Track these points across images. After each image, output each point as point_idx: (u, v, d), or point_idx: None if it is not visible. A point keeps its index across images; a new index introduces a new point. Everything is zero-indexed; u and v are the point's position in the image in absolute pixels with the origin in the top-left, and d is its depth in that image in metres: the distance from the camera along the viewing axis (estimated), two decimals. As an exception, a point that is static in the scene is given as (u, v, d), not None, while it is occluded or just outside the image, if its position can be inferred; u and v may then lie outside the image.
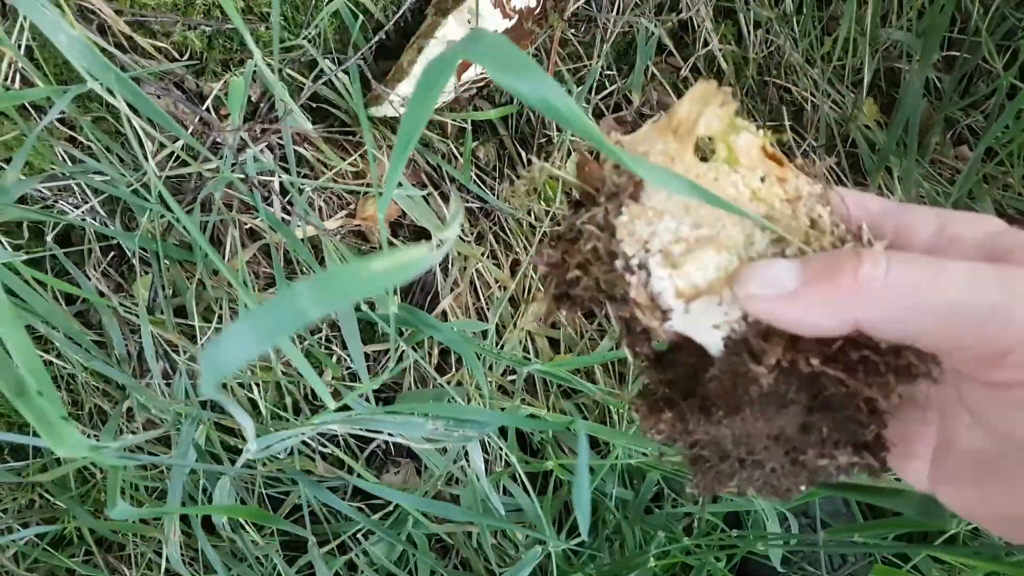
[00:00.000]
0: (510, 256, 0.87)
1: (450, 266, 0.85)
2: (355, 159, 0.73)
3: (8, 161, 0.71)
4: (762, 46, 0.92)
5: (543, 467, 0.76)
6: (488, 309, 0.86)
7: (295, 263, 0.77)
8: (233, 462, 0.77)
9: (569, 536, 0.84)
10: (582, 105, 0.86)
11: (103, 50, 0.65)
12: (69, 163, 0.70)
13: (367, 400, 0.59)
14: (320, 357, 0.75)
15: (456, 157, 0.84)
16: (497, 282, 0.86)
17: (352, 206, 0.81)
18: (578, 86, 0.85)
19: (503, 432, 0.80)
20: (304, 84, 0.70)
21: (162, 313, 0.73)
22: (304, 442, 0.81)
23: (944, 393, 0.26)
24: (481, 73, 0.76)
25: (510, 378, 0.86)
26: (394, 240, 0.85)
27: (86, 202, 0.72)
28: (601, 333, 0.87)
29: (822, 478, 0.27)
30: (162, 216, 0.68)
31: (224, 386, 0.77)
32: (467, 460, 0.78)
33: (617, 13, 0.83)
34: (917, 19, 0.91)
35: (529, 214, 0.87)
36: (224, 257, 0.75)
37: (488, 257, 0.86)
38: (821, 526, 0.83)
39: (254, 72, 0.62)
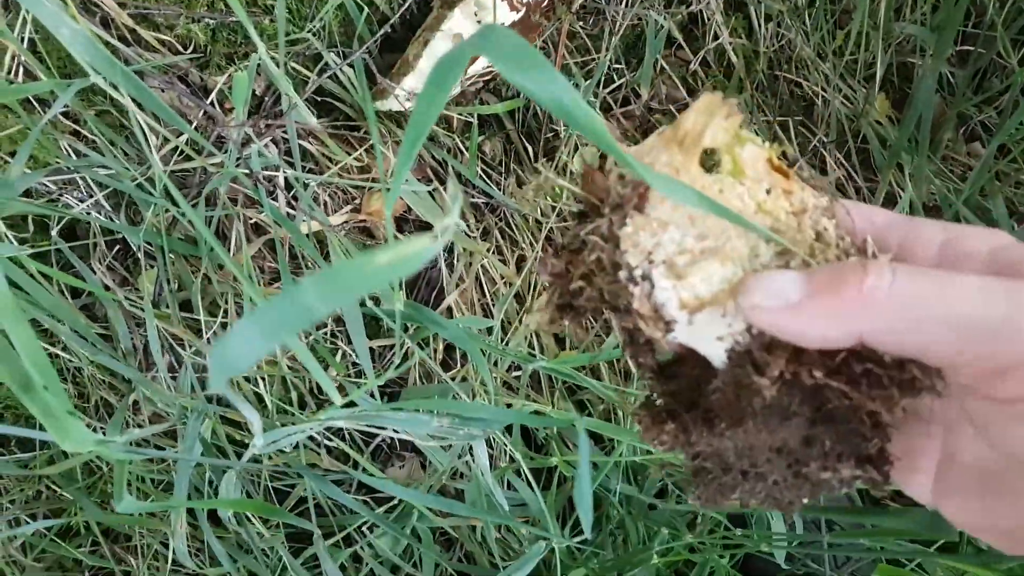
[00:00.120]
0: (516, 252, 0.87)
1: (456, 262, 0.85)
2: (360, 154, 0.72)
3: (12, 155, 0.70)
4: (773, 40, 0.91)
5: (547, 463, 0.76)
6: (493, 305, 0.86)
7: (300, 258, 0.77)
8: (239, 455, 0.77)
9: (573, 531, 0.84)
10: (589, 99, 0.85)
11: (106, 43, 0.64)
12: (73, 157, 0.69)
13: (372, 396, 0.59)
14: (324, 353, 0.75)
15: (462, 152, 0.84)
16: (502, 278, 0.86)
17: (357, 201, 0.80)
18: (586, 80, 0.84)
19: (508, 428, 0.80)
20: (309, 78, 0.70)
21: (167, 307, 0.73)
22: (310, 436, 0.81)
23: (948, 407, 0.26)
24: (488, 67, 0.75)
25: (515, 374, 0.86)
26: (399, 235, 0.84)
27: (91, 196, 0.71)
28: (608, 330, 0.86)
29: (825, 491, 0.27)
30: (167, 210, 0.68)
31: (230, 381, 0.77)
32: (471, 455, 0.79)
33: (626, 6, 0.82)
34: (931, 13, 0.90)
35: (535, 210, 0.86)
36: (229, 252, 0.74)
37: (494, 253, 0.86)
38: (826, 524, 0.83)
39: (258, 66, 0.62)
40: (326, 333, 0.82)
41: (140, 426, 0.78)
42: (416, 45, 0.70)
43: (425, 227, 0.85)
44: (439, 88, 0.21)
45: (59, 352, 0.77)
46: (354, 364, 0.84)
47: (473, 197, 0.85)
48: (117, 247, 0.77)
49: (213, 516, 0.79)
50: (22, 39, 0.63)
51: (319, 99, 0.74)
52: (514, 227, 0.86)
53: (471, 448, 0.78)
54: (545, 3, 0.73)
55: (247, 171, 0.60)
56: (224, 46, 0.68)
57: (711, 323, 0.24)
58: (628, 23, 0.84)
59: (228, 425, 0.79)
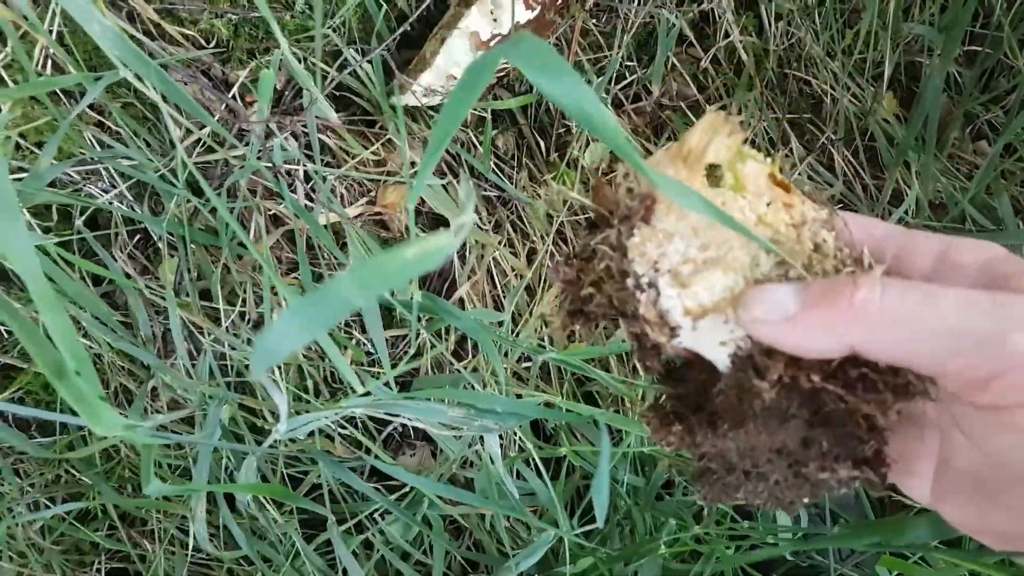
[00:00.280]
0: (527, 245, 0.88)
1: (467, 254, 0.86)
2: (377, 148, 0.74)
3: (39, 145, 0.72)
4: (783, 38, 0.92)
5: (557, 453, 0.78)
6: (504, 297, 0.87)
7: (317, 248, 0.78)
8: (256, 442, 0.79)
9: (580, 520, 0.85)
10: (601, 95, 0.86)
11: (131, 37, 0.66)
12: (98, 148, 0.71)
13: (388, 386, 0.60)
14: (342, 342, 0.76)
15: (475, 145, 0.85)
16: (513, 270, 0.87)
17: (372, 193, 0.82)
18: (598, 76, 0.86)
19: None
20: (328, 73, 0.71)
21: (187, 296, 0.74)
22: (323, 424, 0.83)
23: (943, 413, 0.27)
24: (503, 62, 0.76)
25: (525, 365, 0.88)
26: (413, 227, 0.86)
27: (114, 186, 0.73)
28: (616, 325, 0.88)
29: (824, 491, 0.28)
30: (188, 201, 0.69)
31: (247, 368, 0.79)
32: (482, 444, 0.80)
33: (638, 4, 0.83)
34: (939, 14, 0.91)
35: (549, 210, 0.87)
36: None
37: (505, 246, 0.87)
38: (831, 516, 0.84)
39: (280, 61, 0.63)
40: (340, 323, 0.83)
41: (158, 412, 0.80)
42: (433, 42, 0.71)
43: (438, 219, 0.86)
44: (470, 91, 0.22)
45: (80, 339, 0.79)
46: (367, 353, 0.85)
47: (485, 190, 0.86)
48: (137, 236, 0.79)
49: (229, 501, 0.81)
50: (50, 32, 0.64)
51: (336, 93, 0.76)
52: (526, 220, 0.87)
53: (481, 438, 0.79)
54: (560, 1, 0.75)
55: (269, 164, 0.61)
56: (246, 41, 0.70)
57: (714, 329, 0.26)
58: (640, 21, 0.85)
59: (244, 412, 0.80)
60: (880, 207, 0.91)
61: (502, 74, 0.80)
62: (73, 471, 0.86)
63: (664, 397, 0.30)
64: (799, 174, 0.92)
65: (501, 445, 0.85)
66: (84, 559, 0.92)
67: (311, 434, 0.81)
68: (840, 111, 0.92)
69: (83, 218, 0.72)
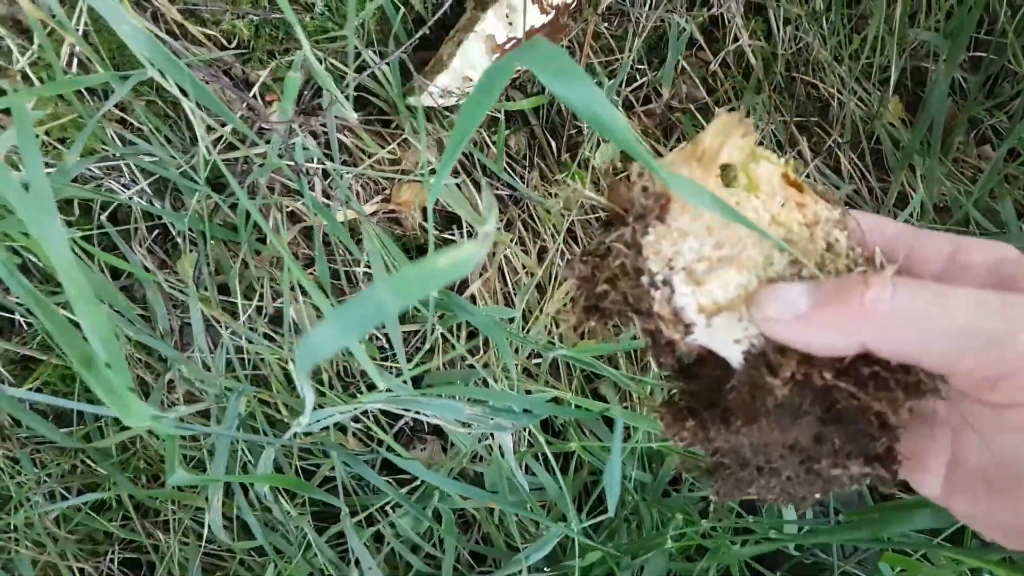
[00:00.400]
0: (538, 243, 0.89)
1: (479, 252, 0.88)
2: (393, 148, 0.75)
3: (61, 141, 0.74)
4: (791, 42, 0.93)
5: (566, 448, 0.79)
6: (515, 295, 0.89)
7: (332, 244, 0.80)
8: (273, 435, 0.80)
9: (588, 516, 0.87)
10: (612, 97, 0.88)
11: (155, 37, 0.67)
12: (120, 144, 0.72)
13: (404, 382, 0.62)
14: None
15: (488, 145, 0.87)
16: (524, 268, 0.89)
17: (387, 191, 0.83)
18: (609, 78, 0.87)
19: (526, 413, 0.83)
20: (346, 73, 0.72)
21: (206, 290, 0.76)
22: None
23: (955, 411, 0.27)
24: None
25: (535, 361, 0.89)
26: (426, 225, 0.87)
27: (134, 182, 0.74)
28: (628, 322, 0.89)
29: (836, 487, 0.28)
30: (208, 197, 0.71)
31: (263, 361, 0.80)
32: (492, 439, 0.81)
33: (650, 8, 0.85)
34: (945, 20, 0.92)
35: (561, 211, 0.89)
36: (266, 239, 0.77)
37: (516, 244, 0.89)
38: (835, 516, 0.85)
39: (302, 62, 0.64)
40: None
41: (174, 404, 0.81)
42: (450, 45, 0.73)
43: (450, 216, 0.88)
44: (487, 95, 0.23)
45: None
46: (380, 348, 0.87)
47: (497, 189, 0.88)
48: (156, 232, 0.81)
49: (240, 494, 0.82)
50: (76, 31, 0.66)
51: (354, 93, 0.77)
52: (537, 219, 0.89)
53: (492, 432, 0.81)
54: (573, 5, 0.76)
55: (291, 162, 0.63)
56: (266, 42, 0.71)
57: (728, 326, 0.26)
58: (651, 25, 0.86)
59: (259, 405, 0.82)
60: (885, 209, 0.92)
61: (515, 76, 0.81)
62: (89, 462, 0.88)
63: (677, 393, 0.31)
64: (807, 176, 0.93)
65: (512, 440, 0.87)
66: (98, 549, 0.93)
67: (324, 428, 0.83)
68: (847, 115, 0.94)
69: (106, 214, 0.73)
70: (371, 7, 0.60)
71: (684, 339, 0.26)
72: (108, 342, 0.29)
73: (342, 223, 0.75)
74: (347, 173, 0.73)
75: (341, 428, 0.87)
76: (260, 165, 0.67)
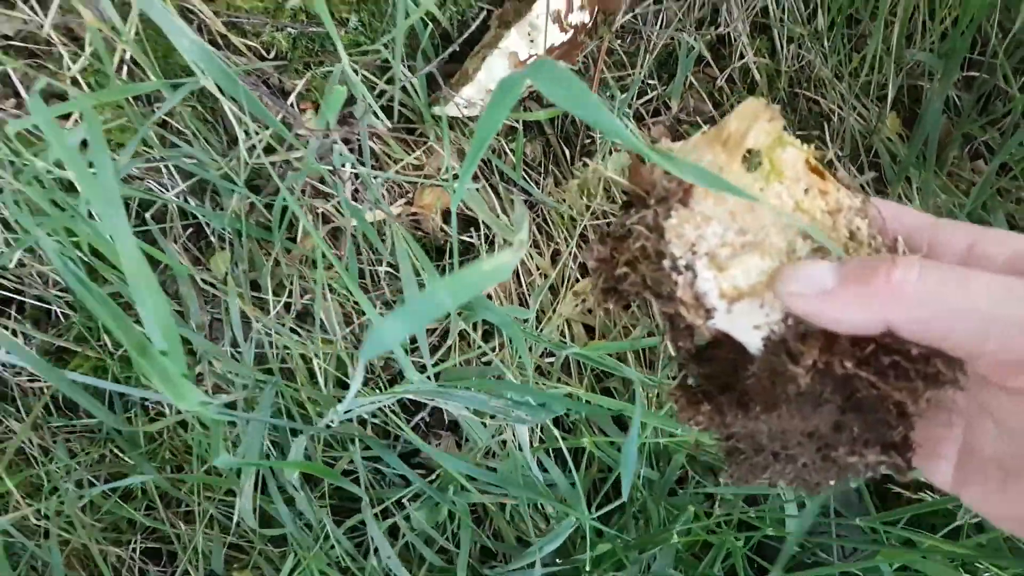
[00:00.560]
0: (551, 246, 0.94)
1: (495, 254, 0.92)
2: (419, 154, 0.80)
3: (108, 143, 0.78)
4: (794, 60, 0.98)
5: (578, 443, 0.83)
6: (529, 295, 0.93)
7: (358, 245, 0.84)
8: (301, 424, 0.84)
9: (598, 510, 0.90)
10: (624, 110, 0.92)
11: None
12: (161, 146, 0.77)
13: (429, 379, 0.65)
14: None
15: (505, 153, 0.91)
16: (538, 269, 0.93)
17: (410, 195, 0.88)
18: (622, 92, 0.92)
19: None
20: (376, 84, 0.77)
21: (239, 286, 0.80)
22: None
23: (970, 399, 0.27)
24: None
25: (548, 360, 0.93)
26: (445, 227, 0.91)
27: (172, 182, 0.79)
28: (634, 324, 0.93)
29: (851, 474, 0.29)
30: (246, 198, 0.75)
31: (289, 355, 0.84)
32: (505, 434, 0.85)
33: (660, 27, 0.90)
34: (940, 41, 0.97)
35: (570, 207, 0.93)
36: (297, 239, 0.82)
37: (531, 246, 0.93)
38: (835, 516, 0.88)
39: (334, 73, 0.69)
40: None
41: (205, 393, 0.85)
42: (475, 60, 0.77)
43: (468, 219, 0.92)
44: (502, 106, 0.25)
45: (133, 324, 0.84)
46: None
47: (513, 194, 0.92)
48: (189, 230, 0.85)
49: (262, 485, 0.86)
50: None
51: (382, 103, 0.82)
52: (550, 223, 0.93)
53: (507, 427, 0.84)
54: (590, 24, 0.81)
55: (329, 167, 0.67)
56: (303, 53, 0.76)
57: (749, 313, 0.26)
58: (662, 43, 0.91)
59: (291, 396, 0.85)
60: (883, 220, 0.96)
61: (533, 89, 0.86)
62: (118, 451, 0.91)
63: (692, 376, 0.31)
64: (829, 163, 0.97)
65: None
66: (121, 537, 0.96)
67: (349, 420, 0.86)
68: (847, 129, 0.98)
69: (150, 212, 0.77)
70: (405, 25, 0.64)
71: (705, 324, 0.26)
72: (168, 330, 0.30)
73: (371, 224, 0.79)
74: (376, 177, 0.77)
75: (361, 422, 0.90)
76: (295, 169, 0.71)
